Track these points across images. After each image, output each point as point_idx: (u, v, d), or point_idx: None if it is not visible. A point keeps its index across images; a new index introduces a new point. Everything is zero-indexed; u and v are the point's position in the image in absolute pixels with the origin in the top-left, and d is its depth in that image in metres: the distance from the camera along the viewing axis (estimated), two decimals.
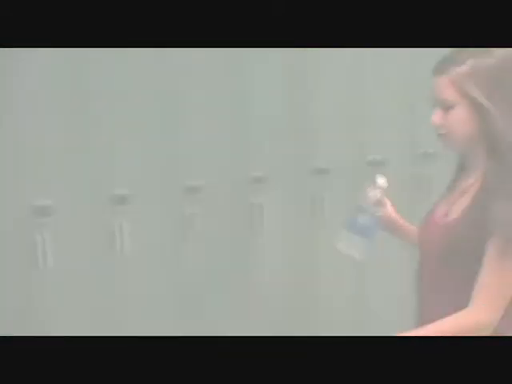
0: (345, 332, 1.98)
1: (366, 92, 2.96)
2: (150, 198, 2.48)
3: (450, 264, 1.63)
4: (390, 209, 1.86)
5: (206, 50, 2.25)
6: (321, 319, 2.84)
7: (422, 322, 1.65)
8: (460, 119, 1.63)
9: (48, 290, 2.35)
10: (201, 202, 2.56)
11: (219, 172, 2.61)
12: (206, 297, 2.61)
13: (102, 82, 2.36)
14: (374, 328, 2.65)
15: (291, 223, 2.78)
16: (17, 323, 2.24)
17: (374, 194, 1.76)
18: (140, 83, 2.42)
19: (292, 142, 2.76)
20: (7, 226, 2.27)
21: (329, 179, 2.85)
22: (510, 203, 1.54)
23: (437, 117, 1.66)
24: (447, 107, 1.64)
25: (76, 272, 2.38)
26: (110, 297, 2.45)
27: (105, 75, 2.36)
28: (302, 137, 2.80)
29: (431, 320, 1.59)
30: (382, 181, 1.78)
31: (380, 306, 2.94)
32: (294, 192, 2.79)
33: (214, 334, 1.69)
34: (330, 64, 2.79)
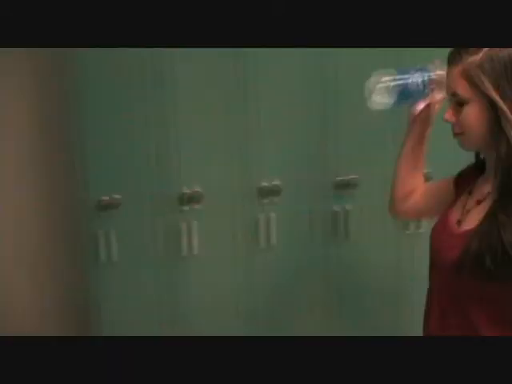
0: None
1: None
2: (220, 198, 2.41)
3: (463, 274, 1.46)
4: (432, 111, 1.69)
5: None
6: None
7: (429, 331, 1.56)
8: (473, 118, 1.45)
9: (111, 285, 2.37)
10: (278, 205, 2.45)
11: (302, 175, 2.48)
12: (282, 301, 2.51)
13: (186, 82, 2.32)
14: None
15: (377, 230, 2.59)
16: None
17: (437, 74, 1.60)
18: (219, 84, 2.34)
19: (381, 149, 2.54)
20: (72, 220, 2.31)
21: None
22: None
23: (449, 114, 1.49)
24: (460, 103, 1.47)
25: (139, 268, 2.38)
26: (177, 296, 2.43)
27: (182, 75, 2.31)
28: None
29: (438, 330, 1.49)
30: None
31: None
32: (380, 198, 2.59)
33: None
34: None
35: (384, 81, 1.60)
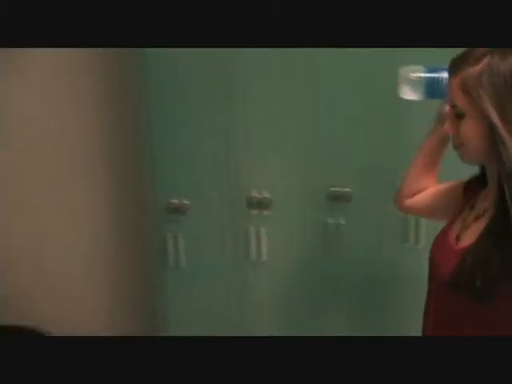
0: None
1: None
2: (289, 203, 2.38)
3: (456, 292, 1.41)
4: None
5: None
6: None
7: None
8: (471, 131, 1.37)
9: (179, 291, 2.37)
10: (348, 210, 2.41)
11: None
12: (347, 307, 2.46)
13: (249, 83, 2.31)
14: None
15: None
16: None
17: None
18: (288, 86, 2.32)
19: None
20: (144, 224, 2.32)
21: None
22: None
23: (448, 125, 1.43)
24: (459, 115, 1.39)
25: (208, 274, 2.38)
26: (242, 301, 2.42)
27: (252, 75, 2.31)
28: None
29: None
30: None
31: None
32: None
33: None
34: None
35: (416, 72, 1.60)
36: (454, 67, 1.40)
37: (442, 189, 1.71)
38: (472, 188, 1.58)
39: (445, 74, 1.52)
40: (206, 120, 2.30)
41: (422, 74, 1.60)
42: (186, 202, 2.33)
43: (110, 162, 2.31)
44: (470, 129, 1.38)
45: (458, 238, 1.47)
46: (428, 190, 1.73)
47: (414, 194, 1.75)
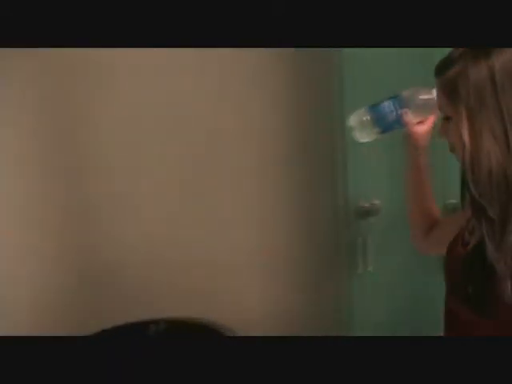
0: None
1: None
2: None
3: (457, 301, 1.37)
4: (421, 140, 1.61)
5: None
6: None
7: None
8: (455, 134, 1.31)
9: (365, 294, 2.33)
10: None
11: None
12: None
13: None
14: None
15: None
16: None
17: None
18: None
19: None
20: (330, 227, 2.27)
21: None
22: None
23: (439, 129, 1.39)
24: (446, 118, 1.35)
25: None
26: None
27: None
28: None
29: None
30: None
31: None
32: None
33: None
34: None
35: (362, 115, 1.66)
36: (438, 69, 1.35)
37: (452, 221, 1.59)
38: None
39: (386, 105, 1.62)
40: None
41: (367, 116, 1.65)
42: (376, 202, 2.29)
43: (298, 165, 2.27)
44: (454, 132, 1.31)
45: (466, 245, 1.38)
46: (436, 225, 1.65)
47: (425, 229, 1.66)
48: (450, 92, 1.30)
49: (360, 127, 1.66)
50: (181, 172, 2.08)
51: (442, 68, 1.34)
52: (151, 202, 2.06)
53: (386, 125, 1.64)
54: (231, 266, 2.14)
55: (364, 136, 1.67)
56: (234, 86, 2.12)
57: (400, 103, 1.62)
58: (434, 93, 1.45)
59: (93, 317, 1.98)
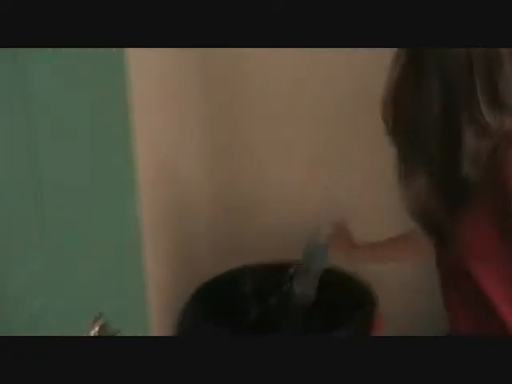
0: None
1: None
2: None
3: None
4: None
5: None
6: None
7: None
8: None
9: None
10: None
11: None
12: None
13: None
14: None
15: None
16: None
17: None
18: None
19: None
20: None
21: None
22: None
23: None
24: None
25: None
26: None
27: None
28: None
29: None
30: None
31: None
32: None
33: None
34: None
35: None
36: None
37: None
38: None
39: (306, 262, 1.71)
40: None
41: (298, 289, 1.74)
42: None
43: None
44: None
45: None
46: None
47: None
48: None
49: (302, 283, 1.73)
50: (323, 117, 2.07)
51: None
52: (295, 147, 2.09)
53: (313, 265, 1.72)
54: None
55: (307, 296, 1.74)
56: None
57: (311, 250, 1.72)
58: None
59: (234, 252, 2.08)
